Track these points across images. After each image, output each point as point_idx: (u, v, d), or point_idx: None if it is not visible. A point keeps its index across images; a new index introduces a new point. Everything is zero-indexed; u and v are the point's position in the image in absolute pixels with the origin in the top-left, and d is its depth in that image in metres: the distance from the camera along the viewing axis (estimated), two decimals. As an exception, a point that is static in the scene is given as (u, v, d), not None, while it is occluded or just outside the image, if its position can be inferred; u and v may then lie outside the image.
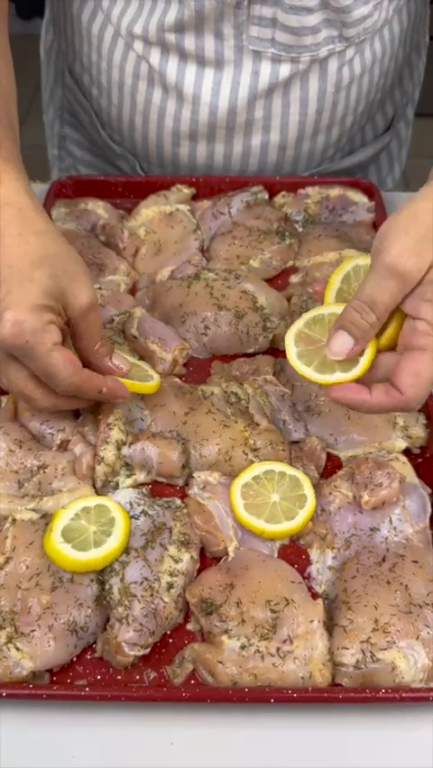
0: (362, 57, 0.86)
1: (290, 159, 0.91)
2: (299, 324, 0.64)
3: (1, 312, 0.58)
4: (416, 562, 0.62)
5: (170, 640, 0.60)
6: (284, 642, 0.58)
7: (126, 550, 0.62)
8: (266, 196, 0.90)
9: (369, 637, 0.58)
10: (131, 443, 0.69)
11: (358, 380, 0.60)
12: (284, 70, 0.83)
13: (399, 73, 0.95)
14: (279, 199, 0.91)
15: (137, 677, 0.59)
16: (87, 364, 0.65)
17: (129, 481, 0.68)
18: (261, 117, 0.86)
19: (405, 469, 0.68)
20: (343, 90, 0.87)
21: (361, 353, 0.60)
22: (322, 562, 0.64)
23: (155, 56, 0.85)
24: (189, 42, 0.82)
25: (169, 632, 0.61)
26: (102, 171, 1.02)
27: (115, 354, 0.66)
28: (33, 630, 0.58)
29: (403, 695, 0.56)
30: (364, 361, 0.60)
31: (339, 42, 0.83)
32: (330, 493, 0.67)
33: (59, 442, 0.70)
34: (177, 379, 0.76)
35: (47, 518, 0.64)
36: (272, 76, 0.83)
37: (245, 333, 0.77)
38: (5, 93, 0.72)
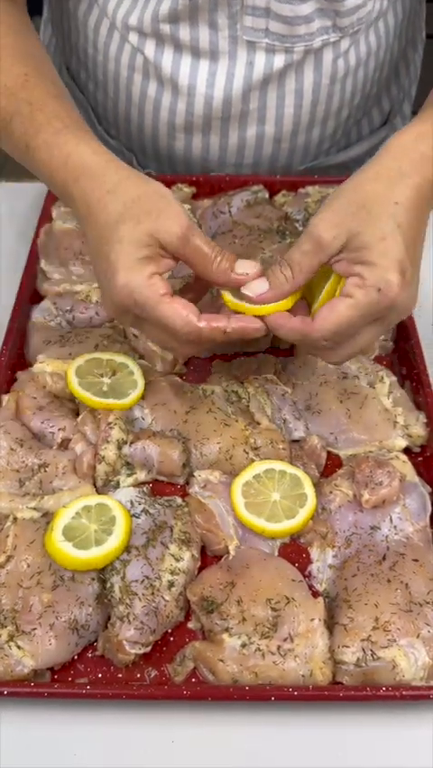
0: (357, 49, 0.86)
1: (286, 151, 0.91)
2: None
3: (109, 281, 0.60)
4: (416, 560, 0.62)
5: (171, 638, 0.61)
6: (285, 640, 0.58)
7: (127, 548, 0.62)
8: (266, 195, 0.90)
9: (369, 636, 0.58)
10: (131, 442, 0.69)
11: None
12: (278, 61, 0.83)
13: (395, 67, 0.95)
14: (279, 198, 0.91)
15: (138, 675, 0.59)
16: (217, 285, 0.64)
17: (130, 480, 0.68)
18: (256, 108, 0.86)
19: (405, 467, 0.68)
20: (338, 82, 0.87)
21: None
22: (323, 561, 0.65)
23: (150, 48, 0.85)
24: (184, 33, 0.82)
25: (170, 630, 0.61)
26: None
27: (239, 262, 0.63)
28: (35, 628, 0.58)
29: (404, 693, 0.56)
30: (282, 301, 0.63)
31: (333, 33, 0.83)
32: (331, 492, 0.68)
33: (59, 440, 0.70)
34: (177, 378, 0.76)
35: (48, 517, 0.64)
36: (267, 66, 0.83)
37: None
38: (44, 62, 0.72)
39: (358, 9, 0.83)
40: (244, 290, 0.63)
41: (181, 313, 0.60)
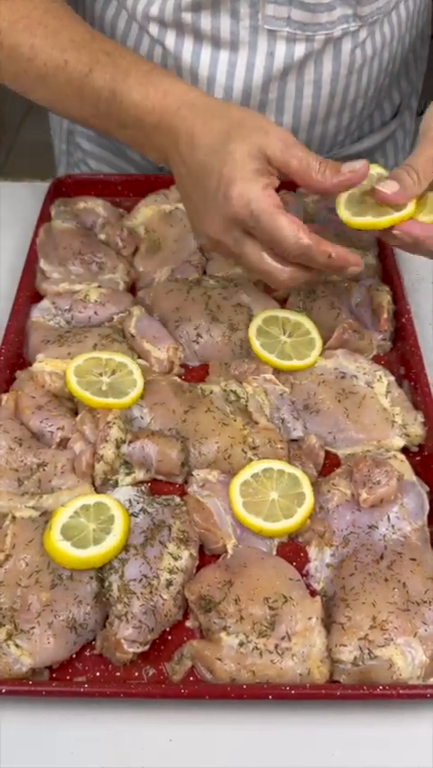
0: (373, 39, 0.87)
1: (303, 142, 0.91)
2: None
3: (224, 193, 0.63)
4: (414, 559, 0.63)
5: (169, 637, 0.61)
6: (282, 639, 0.58)
7: (126, 547, 0.62)
8: None
9: (367, 634, 0.58)
10: (130, 441, 0.69)
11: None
12: (299, 50, 0.83)
13: (405, 59, 0.96)
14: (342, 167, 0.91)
15: (136, 674, 0.59)
16: (325, 191, 0.67)
17: (128, 479, 0.69)
18: (274, 99, 0.87)
19: (403, 467, 0.69)
20: (355, 73, 0.87)
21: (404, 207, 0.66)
22: (320, 560, 0.65)
23: (170, 39, 0.85)
24: (205, 23, 0.82)
25: (168, 629, 0.61)
26: (112, 164, 1.02)
27: (345, 165, 0.66)
28: (33, 627, 0.58)
29: (401, 692, 0.56)
30: (412, 205, 0.66)
31: (353, 21, 0.83)
32: (329, 491, 0.68)
33: (58, 440, 0.70)
34: (176, 378, 0.76)
35: (47, 516, 0.64)
36: (287, 56, 0.83)
37: (238, 345, 0.78)
38: (93, 35, 0.75)
39: None
40: (380, 186, 0.65)
41: (294, 226, 0.63)
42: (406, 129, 1.07)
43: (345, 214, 0.68)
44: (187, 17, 0.83)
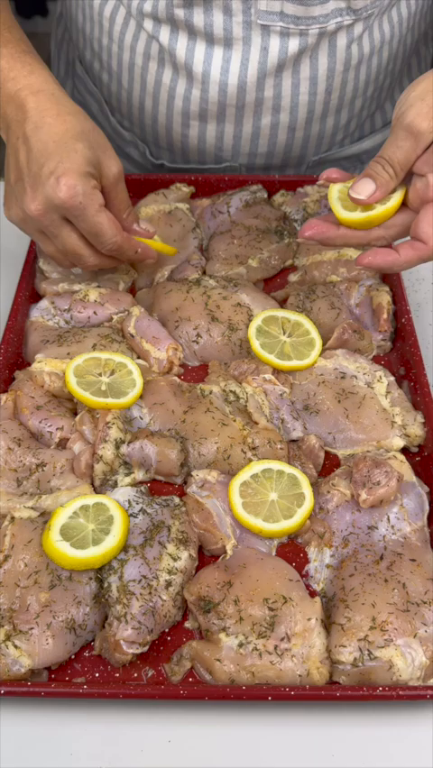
0: (371, 36, 0.87)
1: (300, 140, 0.92)
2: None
3: (57, 179, 0.68)
4: (414, 560, 0.62)
5: (169, 638, 0.61)
6: (282, 640, 0.58)
7: (125, 548, 0.62)
8: (265, 195, 0.90)
9: (366, 635, 0.58)
10: (129, 442, 0.69)
11: (384, 246, 0.69)
12: (293, 45, 0.83)
13: (407, 60, 0.96)
14: (278, 198, 0.91)
15: (135, 675, 0.59)
16: (124, 229, 0.75)
17: (128, 480, 0.68)
18: (270, 96, 0.87)
19: (403, 467, 0.68)
20: (352, 70, 0.87)
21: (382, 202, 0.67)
22: (320, 561, 0.65)
23: (165, 34, 0.85)
24: (198, 19, 0.83)
25: (167, 630, 0.61)
26: None
27: (142, 220, 0.78)
28: (32, 628, 0.58)
29: (401, 693, 0.56)
30: (395, 199, 0.67)
31: (347, 15, 0.83)
32: (328, 491, 0.68)
33: (57, 440, 0.70)
34: (176, 378, 0.76)
35: (46, 516, 0.64)
36: (281, 51, 0.84)
37: (238, 345, 0.78)
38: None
39: None
40: (353, 194, 0.67)
41: (113, 224, 0.71)
42: None
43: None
44: (179, 13, 0.83)
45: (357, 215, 0.68)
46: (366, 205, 0.68)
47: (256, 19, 0.82)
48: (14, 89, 0.71)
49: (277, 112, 0.88)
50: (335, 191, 0.71)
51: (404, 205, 0.68)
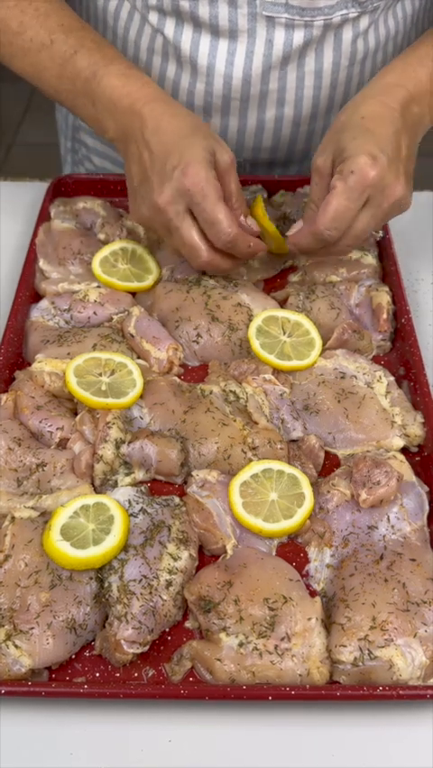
0: (376, 31, 0.87)
1: (304, 135, 0.92)
2: None
3: (182, 170, 0.71)
4: (414, 560, 0.63)
5: (169, 638, 0.61)
6: (282, 639, 0.58)
7: (125, 548, 0.62)
8: (265, 196, 0.90)
9: (367, 635, 0.58)
10: (130, 442, 0.69)
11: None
12: (298, 37, 0.84)
13: None
14: (277, 198, 0.91)
15: (136, 675, 0.59)
16: (221, 224, 0.74)
17: (128, 479, 0.68)
18: (275, 89, 0.87)
19: (403, 467, 0.68)
20: (357, 64, 0.88)
21: None
22: (320, 561, 0.65)
23: (170, 27, 0.86)
24: (204, 11, 0.83)
25: (167, 630, 0.61)
26: (115, 160, 1.02)
27: (248, 216, 0.78)
28: (32, 628, 0.58)
29: (401, 693, 0.56)
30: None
31: (353, 8, 0.84)
32: (328, 491, 0.68)
33: (57, 440, 0.70)
34: (176, 378, 0.76)
35: (46, 516, 0.64)
36: (286, 44, 0.84)
37: (238, 345, 0.78)
38: (82, 25, 0.82)
39: None
40: (289, 233, 0.78)
41: (232, 215, 0.73)
42: None
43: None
44: (185, 5, 0.83)
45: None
46: None
47: (261, 10, 0.82)
48: (130, 103, 0.75)
49: (282, 105, 0.88)
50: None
51: None
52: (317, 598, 0.60)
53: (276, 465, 0.67)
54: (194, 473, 0.68)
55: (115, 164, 1.02)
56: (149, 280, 0.83)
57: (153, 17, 0.86)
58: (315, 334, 0.76)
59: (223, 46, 0.85)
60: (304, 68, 0.86)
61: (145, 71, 0.90)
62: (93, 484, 0.68)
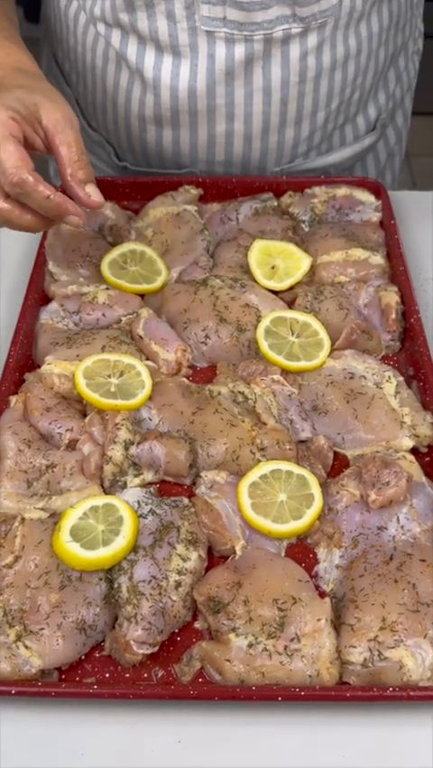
0: (333, 50, 0.86)
1: (258, 150, 0.91)
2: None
3: None
4: (424, 560, 0.62)
5: (178, 638, 0.61)
6: (292, 640, 0.58)
7: (134, 549, 0.62)
8: (275, 204, 0.90)
9: (376, 636, 0.58)
10: (138, 443, 0.69)
11: None
12: (239, 52, 0.83)
13: (382, 74, 0.95)
14: (285, 199, 0.91)
15: (145, 675, 0.59)
16: (65, 190, 0.71)
17: (137, 481, 0.69)
18: (223, 104, 0.87)
19: (412, 467, 0.68)
20: (310, 82, 0.87)
21: None
22: (329, 561, 0.65)
23: (116, 38, 0.87)
24: (143, 25, 0.83)
25: (176, 630, 0.61)
26: (101, 170, 1.02)
27: (93, 187, 0.70)
28: (42, 628, 0.58)
29: (411, 694, 0.56)
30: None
31: (294, 23, 0.83)
32: (337, 492, 0.68)
33: (67, 441, 0.70)
34: (184, 379, 0.76)
35: (55, 517, 0.64)
36: (228, 58, 0.84)
37: (246, 346, 0.78)
38: None
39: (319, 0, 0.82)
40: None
41: (19, 156, 0.65)
42: (390, 145, 1.04)
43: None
44: (124, 18, 0.84)
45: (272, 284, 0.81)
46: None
47: (200, 25, 0.82)
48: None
49: (231, 120, 0.88)
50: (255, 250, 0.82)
51: None
52: (327, 599, 0.60)
53: (285, 466, 0.67)
54: (203, 474, 0.68)
55: (99, 172, 1.03)
56: (157, 282, 0.83)
57: (101, 27, 0.87)
58: (323, 335, 0.76)
59: (167, 59, 0.85)
60: (252, 84, 0.86)
61: (101, 78, 0.91)
62: (102, 485, 0.68)
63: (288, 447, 0.69)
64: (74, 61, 0.94)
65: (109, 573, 0.61)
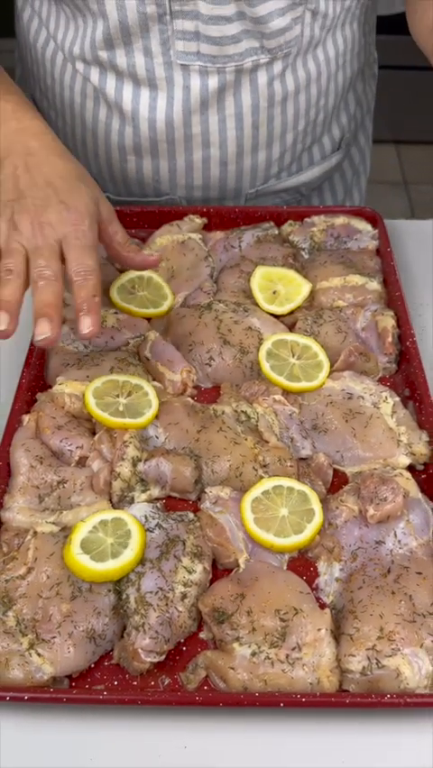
0: (295, 75, 0.91)
1: (233, 174, 0.95)
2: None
3: (66, 208, 0.70)
4: (420, 573, 0.65)
5: (184, 648, 0.63)
6: (293, 649, 0.60)
7: (142, 561, 0.64)
8: (276, 232, 0.93)
9: (375, 645, 0.60)
10: (146, 460, 0.71)
11: None
12: (213, 83, 0.88)
13: (343, 96, 1.00)
14: (286, 227, 0.95)
15: (152, 683, 0.61)
16: (124, 263, 0.79)
17: (144, 496, 0.71)
18: (199, 132, 0.91)
19: (409, 484, 0.71)
20: (277, 105, 0.91)
21: None
22: (330, 574, 0.67)
23: (95, 75, 0.91)
24: (121, 60, 0.88)
25: (182, 640, 0.63)
26: None
27: (149, 251, 0.81)
28: (54, 637, 0.60)
29: (408, 700, 0.58)
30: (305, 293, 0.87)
31: (262, 54, 0.87)
32: (337, 507, 0.70)
33: (77, 458, 0.73)
34: (189, 399, 0.79)
35: (66, 531, 0.66)
36: (203, 89, 0.88)
37: (249, 368, 0.80)
38: None
39: (284, 32, 0.87)
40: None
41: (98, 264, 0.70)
42: (355, 164, 1.10)
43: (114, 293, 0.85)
44: (103, 55, 0.88)
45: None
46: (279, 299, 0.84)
47: (176, 59, 0.86)
48: (18, 127, 0.75)
49: (207, 147, 0.92)
50: (257, 277, 0.85)
51: None
52: (327, 610, 0.62)
53: (286, 482, 0.69)
54: (207, 490, 0.71)
55: None
56: (164, 306, 0.86)
57: (80, 65, 0.91)
58: (323, 357, 0.79)
59: (145, 93, 0.89)
60: (225, 111, 0.90)
61: (79, 114, 0.95)
62: (111, 500, 0.70)
63: (289, 464, 0.72)
64: (52, 99, 0.97)
65: (118, 585, 0.63)
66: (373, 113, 1.13)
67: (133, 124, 0.91)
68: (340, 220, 0.94)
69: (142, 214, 0.97)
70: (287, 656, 0.60)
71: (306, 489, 0.69)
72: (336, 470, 0.74)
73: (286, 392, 0.78)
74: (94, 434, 0.75)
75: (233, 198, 0.98)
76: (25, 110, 0.77)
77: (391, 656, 0.60)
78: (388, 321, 0.83)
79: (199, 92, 0.88)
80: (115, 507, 0.70)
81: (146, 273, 0.88)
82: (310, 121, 0.96)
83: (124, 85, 0.89)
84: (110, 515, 0.66)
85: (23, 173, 0.72)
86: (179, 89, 0.88)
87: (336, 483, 0.73)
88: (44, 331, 0.66)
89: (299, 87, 0.92)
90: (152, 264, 0.79)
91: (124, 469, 0.70)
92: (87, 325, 0.67)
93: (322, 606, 0.64)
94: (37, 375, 0.80)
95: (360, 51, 0.98)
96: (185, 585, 0.63)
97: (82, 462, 0.73)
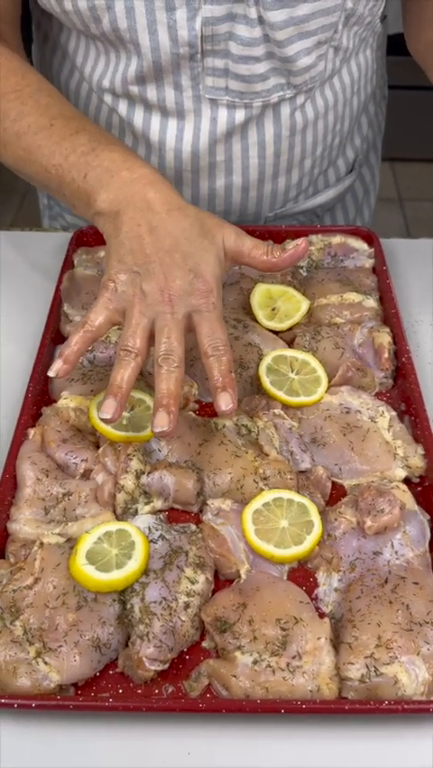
0: (314, 104, 0.94)
1: (254, 199, 0.98)
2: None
3: (197, 276, 0.69)
4: (416, 583, 0.66)
5: (187, 657, 0.64)
6: (293, 657, 0.61)
7: (146, 572, 0.65)
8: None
9: (373, 653, 0.62)
10: (149, 473, 0.73)
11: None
12: (239, 116, 0.90)
13: (357, 119, 1.03)
14: (285, 245, 0.97)
15: (156, 691, 0.62)
16: (273, 268, 0.77)
17: (147, 508, 0.72)
18: (222, 160, 0.93)
19: (405, 496, 0.72)
20: (298, 134, 0.94)
21: None
22: (329, 584, 0.68)
23: (123, 107, 0.93)
24: (152, 94, 0.90)
25: (185, 649, 0.64)
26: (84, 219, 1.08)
27: (288, 242, 0.78)
28: (60, 646, 0.61)
29: (405, 707, 0.59)
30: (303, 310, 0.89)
31: (288, 89, 0.90)
32: (335, 519, 0.71)
33: (82, 471, 0.74)
34: (191, 413, 0.80)
35: (72, 542, 0.68)
36: (229, 121, 0.90)
37: (249, 383, 0.82)
38: (82, 115, 0.83)
39: (310, 69, 0.90)
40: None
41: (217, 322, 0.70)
42: (366, 183, 1.13)
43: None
44: (134, 89, 0.90)
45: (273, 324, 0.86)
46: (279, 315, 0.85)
47: (204, 94, 0.89)
48: (130, 177, 0.72)
49: (230, 174, 0.95)
50: (256, 295, 0.87)
51: None
52: (326, 620, 0.64)
53: (286, 494, 0.71)
54: (209, 502, 0.72)
55: (87, 222, 1.08)
56: None
57: (108, 98, 0.93)
58: (321, 372, 0.81)
59: (172, 124, 0.91)
60: (248, 141, 0.92)
61: None
62: (115, 512, 0.71)
63: (289, 477, 0.73)
64: None
65: (122, 595, 0.65)
66: (383, 132, 1.15)
67: (159, 154, 0.93)
68: (337, 239, 0.96)
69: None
70: (287, 664, 0.61)
71: (305, 501, 0.71)
72: (334, 483, 0.76)
73: (285, 406, 0.80)
74: (98, 447, 0.76)
75: (252, 222, 1.01)
76: (134, 158, 0.75)
77: (388, 664, 0.61)
78: (384, 337, 0.85)
79: (226, 124, 0.90)
80: (118, 518, 0.71)
81: None
82: (327, 146, 0.99)
83: (151, 116, 0.91)
84: (114, 526, 0.68)
85: (147, 233, 0.69)
86: (207, 121, 0.90)
87: (335, 495, 0.75)
88: (163, 424, 0.65)
89: (318, 115, 0.94)
90: (303, 252, 0.75)
91: (128, 481, 0.72)
92: (225, 402, 0.67)
93: (321, 615, 0.66)
94: (42, 389, 0.82)
95: (372, 75, 1.01)
96: (188, 595, 0.65)
97: (87, 475, 0.74)
